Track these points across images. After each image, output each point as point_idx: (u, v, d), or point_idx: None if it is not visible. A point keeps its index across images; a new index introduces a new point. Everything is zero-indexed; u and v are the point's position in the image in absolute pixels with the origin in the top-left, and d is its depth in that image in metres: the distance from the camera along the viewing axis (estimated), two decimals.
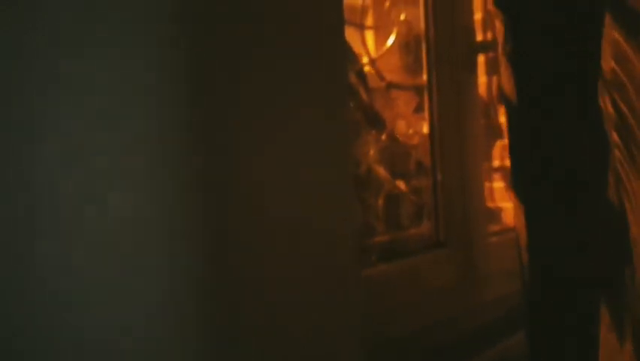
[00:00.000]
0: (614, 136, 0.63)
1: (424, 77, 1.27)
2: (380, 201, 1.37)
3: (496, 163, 1.68)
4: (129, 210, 0.58)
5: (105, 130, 0.57)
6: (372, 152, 1.39)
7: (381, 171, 1.40)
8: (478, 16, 1.65)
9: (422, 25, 1.26)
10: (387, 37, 1.42)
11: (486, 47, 1.39)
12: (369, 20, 1.49)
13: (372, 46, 1.47)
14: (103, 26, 0.57)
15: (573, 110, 0.72)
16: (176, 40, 0.63)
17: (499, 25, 0.78)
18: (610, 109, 0.64)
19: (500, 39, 0.77)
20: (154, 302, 0.60)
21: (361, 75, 1.47)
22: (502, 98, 0.80)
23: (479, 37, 1.61)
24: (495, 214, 1.66)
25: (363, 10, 1.36)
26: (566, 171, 0.73)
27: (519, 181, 0.79)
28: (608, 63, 0.63)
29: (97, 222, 0.56)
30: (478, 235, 1.24)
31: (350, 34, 1.43)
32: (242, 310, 0.68)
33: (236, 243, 0.68)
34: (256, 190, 0.70)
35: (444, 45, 1.23)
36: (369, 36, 1.45)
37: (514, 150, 0.80)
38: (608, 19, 0.63)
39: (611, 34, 0.62)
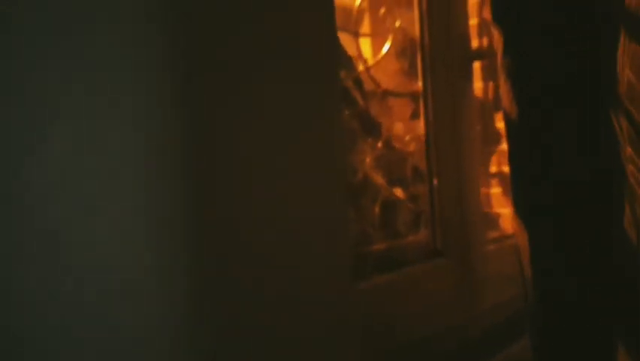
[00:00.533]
0: (628, 150, 0.62)
1: (420, 83, 1.26)
2: (377, 209, 1.36)
3: (493, 169, 1.67)
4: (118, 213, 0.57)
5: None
6: (368, 159, 1.38)
7: (378, 178, 1.39)
8: (473, 21, 1.65)
9: (417, 32, 1.26)
10: (383, 44, 1.41)
11: (481, 54, 1.38)
12: (366, 27, 1.48)
13: (370, 52, 1.47)
14: (89, 51, 0.56)
15: (575, 125, 0.71)
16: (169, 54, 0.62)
17: (497, 37, 0.77)
18: (624, 122, 0.62)
19: (499, 51, 0.76)
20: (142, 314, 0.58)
21: (357, 82, 1.46)
22: (503, 114, 0.78)
23: (475, 43, 1.61)
24: (492, 220, 1.66)
25: (358, 17, 1.36)
26: (570, 191, 0.72)
27: (521, 204, 0.78)
28: (624, 75, 0.61)
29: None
30: (475, 243, 1.23)
31: (346, 42, 1.42)
32: (236, 331, 0.66)
33: (227, 256, 0.67)
34: (246, 204, 0.69)
35: (439, 53, 1.22)
36: (366, 43, 1.44)
37: (515, 169, 0.78)
38: (624, 32, 0.62)
39: (631, 46, 0.61)
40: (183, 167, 0.63)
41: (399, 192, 1.45)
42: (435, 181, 1.27)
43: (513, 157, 0.78)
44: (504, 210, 1.64)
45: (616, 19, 0.63)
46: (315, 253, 0.77)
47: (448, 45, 1.22)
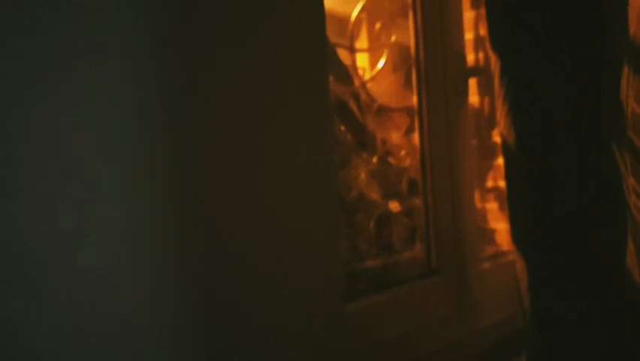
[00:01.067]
0: (631, 181, 0.61)
1: (415, 98, 1.26)
2: (372, 225, 1.35)
3: (489, 183, 1.66)
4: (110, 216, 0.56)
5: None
6: (363, 175, 1.38)
7: (373, 194, 1.38)
8: (469, 36, 1.65)
9: (412, 49, 1.25)
10: (379, 60, 1.41)
11: (477, 71, 1.38)
12: (363, 42, 1.48)
13: (368, 66, 1.46)
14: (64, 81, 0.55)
15: (574, 153, 0.70)
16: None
17: (494, 61, 0.76)
18: (627, 154, 0.61)
19: (496, 75, 0.75)
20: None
21: (354, 97, 1.46)
22: (501, 138, 0.77)
23: (470, 57, 1.60)
24: (488, 235, 1.65)
25: (354, 33, 1.35)
26: (569, 221, 0.71)
27: (519, 235, 0.76)
28: (629, 107, 0.60)
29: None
30: (471, 261, 1.22)
31: (342, 56, 1.42)
32: (224, 354, 0.65)
33: (214, 278, 0.66)
34: (234, 224, 0.68)
35: (435, 69, 1.21)
36: (362, 58, 1.44)
37: (512, 196, 0.76)
38: (628, 64, 0.61)
39: (636, 78, 0.59)
40: (172, 191, 0.62)
41: (394, 205, 1.45)
42: (430, 197, 1.27)
43: (510, 185, 0.77)
44: (500, 226, 1.63)
45: (619, 50, 0.62)
46: (305, 275, 0.76)
47: (444, 62, 1.21)
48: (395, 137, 1.47)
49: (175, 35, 0.63)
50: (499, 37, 0.76)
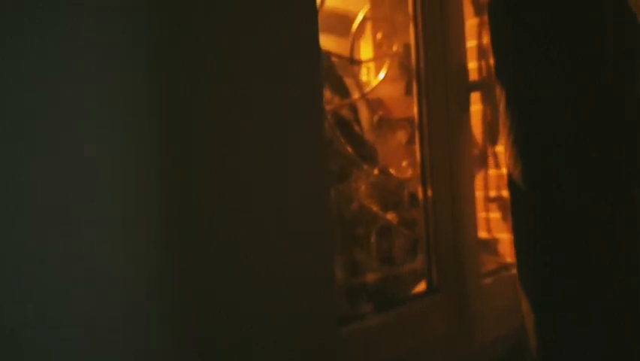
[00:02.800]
0: None
1: (415, 109, 1.24)
2: (373, 238, 1.34)
3: (492, 193, 1.65)
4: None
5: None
6: (363, 187, 1.37)
7: (374, 206, 1.37)
8: (472, 43, 1.63)
9: (413, 61, 1.23)
10: (380, 70, 1.39)
11: (479, 85, 1.36)
12: (367, 49, 1.47)
13: (373, 76, 1.45)
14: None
15: (580, 189, 0.68)
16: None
17: (499, 91, 0.74)
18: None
19: (501, 104, 0.74)
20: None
21: (353, 109, 1.45)
22: (506, 169, 0.76)
23: (473, 64, 1.58)
24: (491, 245, 1.64)
25: (355, 44, 1.34)
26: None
27: (526, 280, 0.74)
28: None
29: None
30: (472, 278, 1.21)
31: (342, 67, 1.40)
32: None
33: (204, 305, 0.65)
34: (226, 247, 0.67)
35: (436, 83, 1.20)
36: (362, 69, 1.42)
37: (518, 234, 0.75)
38: None
39: None
40: (160, 233, 0.62)
41: (393, 216, 1.43)
42: (430, 210, 1.25)
43: (516, 220, 0.75)
44: (503, 236, 1.62)
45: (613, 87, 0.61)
46: (299, 299, 0.75)
47: (446, 75, 1.20)
48: (396, 148, 1.46)
49: (172, 39, 0.63)
50: (503, 65, 0.75)
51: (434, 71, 1.21)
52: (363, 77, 1.50)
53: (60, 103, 0.54)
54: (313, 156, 0.78)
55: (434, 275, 1.20)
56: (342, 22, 1.40)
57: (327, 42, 1.35)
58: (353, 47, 1.34)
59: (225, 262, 0.67)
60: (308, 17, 0.79)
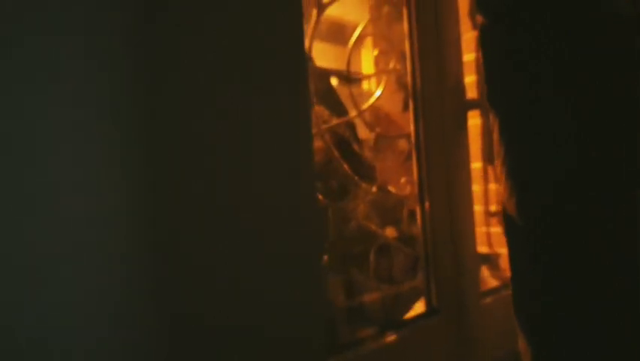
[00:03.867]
0: None
1: (412, 127, 1.23)
2: (372, 257, 1.33)
3: (493, 208, 1.63)
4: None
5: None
6: (362, 206, 1.35)
7: (372, 225, 1.36)
8: (470, 57, 1.61)
9: (409, 78, 1.22)
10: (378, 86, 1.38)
11: (477, 104, 1.34)
12: (368, 65, 1.46)
13: (374, 86, 1.44)
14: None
15: (579, 225, 0.67)
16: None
17: (492, 118, 0.72)
18: None
19: (495, 132, 0.72)
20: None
21: (350, 127, 1.43)
22: (504, 216, 0.73)
23: (471, 78, 1.57)
24: (492, 260, 1.62)
25: (351, 61, 1.33)
26: (575, 301, 0.67)
27: (523, 315, 0.73)
28: None
29: None
30: (472, 298, 1.20)
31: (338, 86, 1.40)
32: None
33: (192, 336, 0.64)
34: (213, 276, 0.66)
35: (432, 101, 1.19)
36: (357, 87, 1.41)
37: (515, 274, 0.73)
38: None
39: None
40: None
41: (392, 231, 1.42)
42: (428, 228, 1.24)
43: (513, 261, 0.73)
44: (504, 251, 1.60)
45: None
46: (287, 330, 0.74)
47: (442, 94, 1.18)
48: (395, 164, 1.45)
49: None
50: (495, 91, 0.73)
51: (430, 89, 1.20)
52: (365, 87, 1.49)
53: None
54: (297, 170, 0.77)
55: (433, 296, 1.18)
56: (341, 32, 1.39)
57: (326, 51, 1.35)
58: (349, 64, 1.33)
59: (226, 296, 0.66)
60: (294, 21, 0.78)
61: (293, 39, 0.78)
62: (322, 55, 1.31)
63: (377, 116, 1.45)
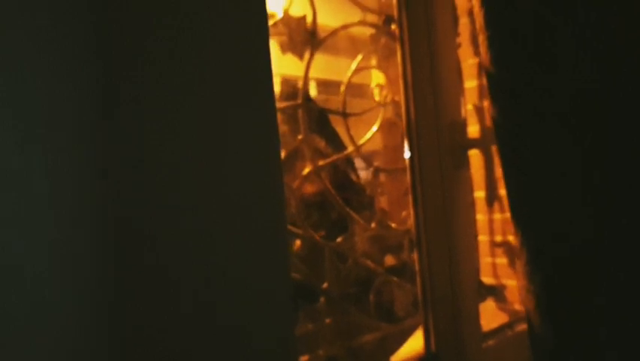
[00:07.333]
0: None
1: (408, 172, 1.20)
2: (371, 297, 1.30)
3: (498, 238, 1.59)
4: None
5: None
6: (360, 243, 1.33)
7: (370, 263, 1.33)
8: (472, 84, 1.58)
9: (404, 115, 1.19)
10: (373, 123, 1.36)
11: (476, 143, 1.30)
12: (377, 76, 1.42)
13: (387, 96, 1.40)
14: None
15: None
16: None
17: (499, 158, 0.72)
18: None
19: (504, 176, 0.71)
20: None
21: (349, 163, 1.41)
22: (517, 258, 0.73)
23: (471, 107, 1.53)
24: (498, 292, 1.58)
25: (344, 98, 1.30)
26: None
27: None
28: None
29: None
30: (472, 343, 1.16)
31: (334, 121, 1.37)
32: None
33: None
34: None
35: (428, 140, 1.16)
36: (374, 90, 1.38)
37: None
38: None
39: None
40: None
41: (391, 260, 1.39)
42: (426, 261, 1.21)
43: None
44: (510, 282, 1.56)
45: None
46: None
47: (437, 135, 1.15)
48: (393, 198, 1.42)
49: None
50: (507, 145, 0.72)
51: (425, 129, 1.17)
52: (376, 98, 1.45)
53: None
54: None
55: (432, 340, 1.15)
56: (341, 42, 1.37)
57: (328, 61, 1.32)
58: (345, 102, 1.30)
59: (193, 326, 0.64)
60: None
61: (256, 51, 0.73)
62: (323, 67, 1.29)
63: (375, 150, 1.42)
